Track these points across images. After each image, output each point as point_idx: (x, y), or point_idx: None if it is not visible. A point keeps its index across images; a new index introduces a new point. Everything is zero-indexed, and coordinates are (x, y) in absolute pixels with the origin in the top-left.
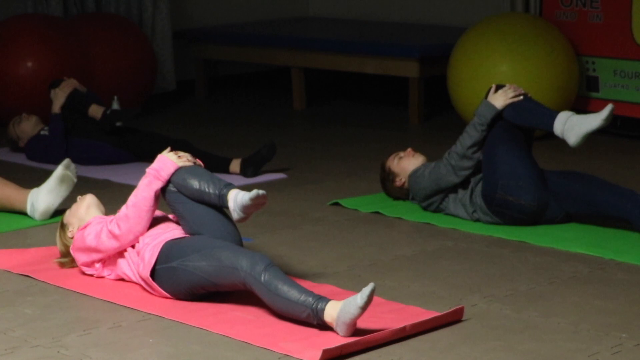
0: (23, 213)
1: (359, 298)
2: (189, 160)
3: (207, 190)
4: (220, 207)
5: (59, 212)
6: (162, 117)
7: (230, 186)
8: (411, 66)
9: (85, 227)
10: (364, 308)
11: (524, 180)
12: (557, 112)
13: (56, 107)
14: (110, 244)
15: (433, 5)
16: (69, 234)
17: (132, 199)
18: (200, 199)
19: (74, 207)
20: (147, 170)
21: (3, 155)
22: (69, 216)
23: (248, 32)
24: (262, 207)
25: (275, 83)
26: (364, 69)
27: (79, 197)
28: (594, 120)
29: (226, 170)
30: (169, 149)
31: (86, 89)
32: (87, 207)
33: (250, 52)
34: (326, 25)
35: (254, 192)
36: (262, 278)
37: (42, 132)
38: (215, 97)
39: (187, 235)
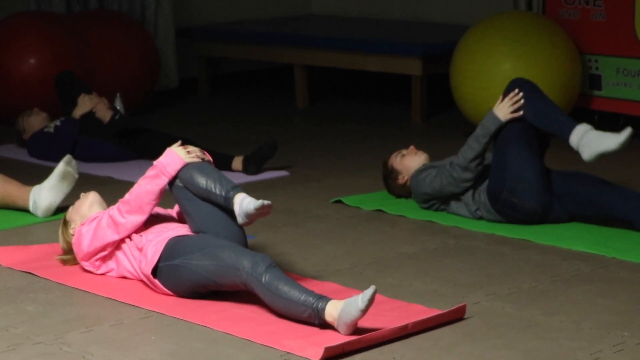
0: (25, 210)
1: (360, 301)
2: (197, 157)
3: (213, 190)
4: (226, 209)
5: (61, 209)
6: (165, 114)
7: (237, 189)
8: (414, 64)
9: (85, 223)
10: (365, 311)
11: (530, 184)
12: (576, 123)
13: (78, 114)
14: (110, 232)
15: (436, 3)
16: (71, 231)
17: (136, 188)
18: (206, 198)
19: (77, 204)
20: (155, 163)
21: (5, 152)
22: (72, 213)
23: (251, 30)
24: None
25: (278, 81)
26: (367, 67)
27: (82, 194)
28: (611, 142)
29: (228, 168)
30: (179, 142)
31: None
32: (90, 204)
33: (253, 49)
34: (329, 23)
35: (260, 202)
36: (263, 279)
37: (46, 130)
38: (217, 94)
39: (190, 233)
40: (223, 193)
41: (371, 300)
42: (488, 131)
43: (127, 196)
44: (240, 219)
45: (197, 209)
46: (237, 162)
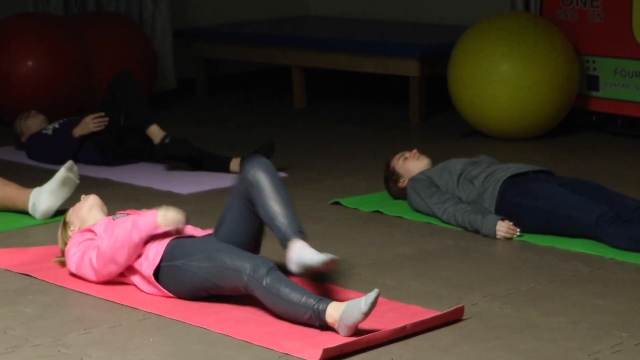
0: (24, 212)
1: (363, 304)
2: (175, 223)
3: (276, 224)
4: (260, 228)
5: (61, 211)
6: (163, 116)
7: (301, 234)
8: (412, 65)
9: (72, 242)
10: (367, 314)
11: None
12: None
13: (78, 133)
14: (90, 272)
15: (434, 4)
16: (70, 233)
17: (113, 240)
18: (268, 224)
19: (77, 206)
20: (133, 218)
21: (3, 155)
22: (72, 215)
23: (249, 31)
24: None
25: (276, 82)
26: (365, 68)
27: (82, 196)
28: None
29: (226, 170)
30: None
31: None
32: (90, 208)
33: (250, 51)
34: (327, 24)
35: (328, 256)
36: (265, 282)
37: (44, 132)
38: (215, 96)
39: (191, 234)
40: (283, 235)
41: (374, 304)
42: (477, 230)
43: (103, 245)
44: (293, 267)
45: (236, 209)
46: (235, 164)
